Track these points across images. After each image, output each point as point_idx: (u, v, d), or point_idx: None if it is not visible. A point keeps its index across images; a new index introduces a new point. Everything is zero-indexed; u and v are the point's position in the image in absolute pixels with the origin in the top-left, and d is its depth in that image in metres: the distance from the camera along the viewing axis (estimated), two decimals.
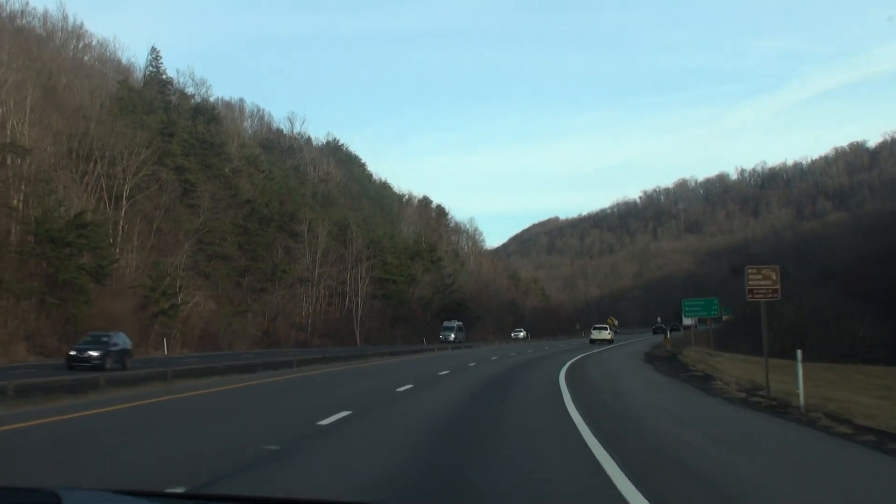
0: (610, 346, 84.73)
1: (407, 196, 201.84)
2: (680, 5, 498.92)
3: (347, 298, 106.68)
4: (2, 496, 2.51)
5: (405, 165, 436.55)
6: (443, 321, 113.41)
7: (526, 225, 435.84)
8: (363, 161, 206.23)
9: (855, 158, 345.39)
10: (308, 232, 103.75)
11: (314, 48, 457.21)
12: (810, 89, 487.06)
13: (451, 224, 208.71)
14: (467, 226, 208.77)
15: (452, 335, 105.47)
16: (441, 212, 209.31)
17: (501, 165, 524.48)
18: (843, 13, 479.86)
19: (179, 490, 5.12)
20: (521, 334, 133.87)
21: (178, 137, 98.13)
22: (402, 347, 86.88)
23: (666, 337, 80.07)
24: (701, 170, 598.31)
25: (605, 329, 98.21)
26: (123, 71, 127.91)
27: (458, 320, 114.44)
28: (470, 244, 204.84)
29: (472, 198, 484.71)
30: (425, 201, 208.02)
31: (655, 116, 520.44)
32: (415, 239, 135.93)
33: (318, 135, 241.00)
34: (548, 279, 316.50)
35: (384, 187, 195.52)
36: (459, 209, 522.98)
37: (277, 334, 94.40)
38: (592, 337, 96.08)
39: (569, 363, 45.97)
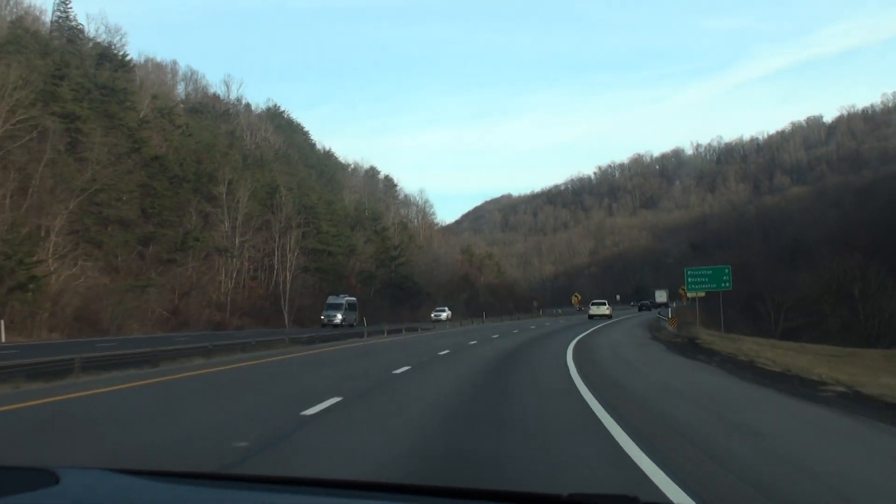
0: (608, 326, 69.59)
1: (352, 166, 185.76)
2: None
3: (275, 272, 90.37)
4: None
5: (356, 144, 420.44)
6: (388, 297, 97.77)
7: (479, 202, 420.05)
8: (306, 129, 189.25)
9: (812, 133, 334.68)
10: (228, 195, 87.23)
11: (263, 20, 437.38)
12: (763, 68, 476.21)
13: (401, 196, 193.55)
14: (417, 198, 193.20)
15: (339, 316, 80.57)
16: (389, 183, 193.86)
17: (454, 143, 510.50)
18: None
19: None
20: (444, 315, 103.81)
21: (71, 81, 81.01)
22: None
23: (671, 317, 65.22)
24: (656, 145, 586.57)
25: (604, 304, 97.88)
26: (28, 17, 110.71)
27: (402, 296, 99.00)
28: (420, 217, 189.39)
29: (424, 176, 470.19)
30: (372, 171, 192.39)
31: (609, 95, 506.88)
32: (356, 206, 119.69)
33: (259, 102, 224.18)
34: (502, 256, 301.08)
35: (327, 156, 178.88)
36: (411, 185, 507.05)
37: (188, 314, 78.00)
38: (591, 312, 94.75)
39: (573, 353, 30.64)
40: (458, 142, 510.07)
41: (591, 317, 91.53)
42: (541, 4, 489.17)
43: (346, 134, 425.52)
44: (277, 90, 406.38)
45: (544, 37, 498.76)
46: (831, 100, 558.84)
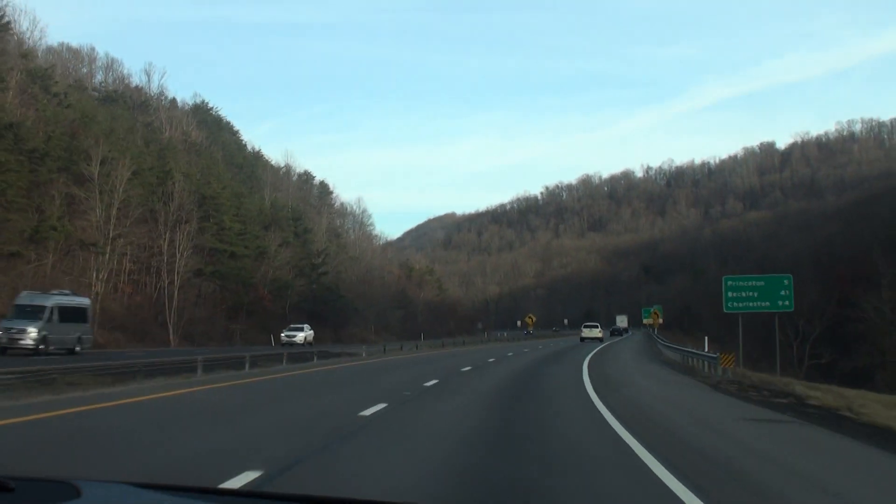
0: (620, 359, 51.48)
1: (284, 168, 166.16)
2: (582, 12, 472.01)
3: (161, 275, 70.82)
4: (20, 488, 2.45)
5: (303, 161, 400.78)
6: (306, 312, 78.76)
7: (423, 220, 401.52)
8: (236, 128, 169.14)
9: (765, 159, 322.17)
10: (102, 176, 67.61)
11: (217, 35, 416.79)
12: (712, 96, 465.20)
13: (336, 204, 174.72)
14: (354, 207, 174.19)
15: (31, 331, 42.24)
16: (325, 189, 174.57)
17: (401, 162, 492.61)
18: (740, 27, 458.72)
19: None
20: (300, 336, 71.33)
21: None
22: (237, 350, 53.13)
23: (724, 353, 45.48)
24: (605, 166, 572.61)
25: (596, 328, 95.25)
26: None
27: (325, 312, 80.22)
28: (357, 228, 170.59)
29: (368, 193, 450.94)
30: (306, 176, 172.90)
31: (557, 118, 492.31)
32: (273, 202, 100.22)
33: (186, 97, 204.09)
34: (443, 274, 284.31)
35: (256, 157, 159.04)
36: (352, 197, 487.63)
37: None
38: (583, 335, 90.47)
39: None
40: (404, 161, 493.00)
41: (583, 339, 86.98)
42: (491, 28, 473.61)
43: (291, 150, 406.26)
44: (222, 103, 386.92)
45: (494, 60, 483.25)
46: (783, 127, 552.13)
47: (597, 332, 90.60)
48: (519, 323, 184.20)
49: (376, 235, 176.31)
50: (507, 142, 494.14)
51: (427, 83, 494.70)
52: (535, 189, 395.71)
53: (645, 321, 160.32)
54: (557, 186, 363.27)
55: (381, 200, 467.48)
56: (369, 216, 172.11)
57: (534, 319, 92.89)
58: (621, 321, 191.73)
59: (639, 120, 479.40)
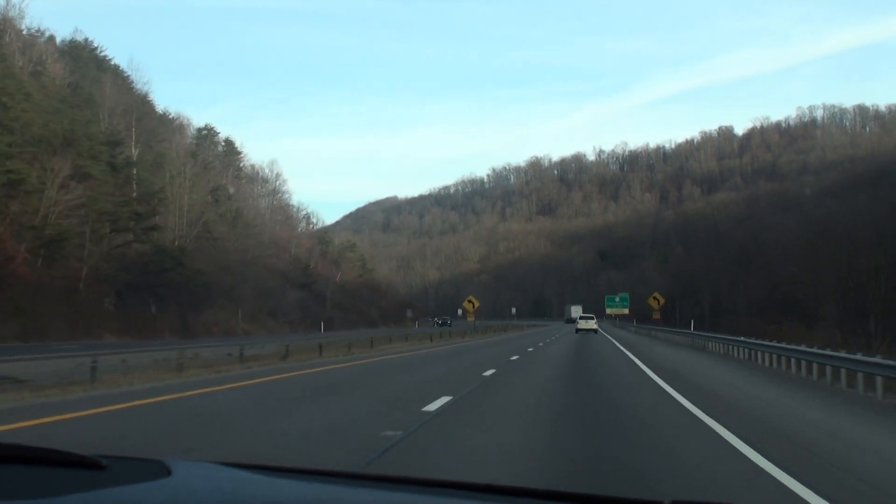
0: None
1: (178, 120, 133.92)
2: (536, 4, 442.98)
3: None
4: (112, 466, 2.50)
5: (253, 147, 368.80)
6: (123, 284, 47.32)
7: (363, 204, 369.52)
8: (127, 74, 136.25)
9: (724, 143, 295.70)
10: None
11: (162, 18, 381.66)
12: (667, 88, 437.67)
13: (245, 167, 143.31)
14: (267, 171, 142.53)
15: None
16: (231, 148, 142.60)
17: (349, 150, 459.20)
18: (694, 20, 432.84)
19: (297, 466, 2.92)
20: None
21: None
22: None
23: None
24: (555, 149, 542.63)
25: (592, 319, 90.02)
26: None
27: (167, 288, 48.91)
28: (272, 198, 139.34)
29: (313, 181, 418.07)
30: (210, 132, 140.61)
31: (511, 109, 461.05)
32: (69, 86, 66.62)
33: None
34: (380, 258, 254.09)
35: (143, 102, 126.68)
36: (303, 192, 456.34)
37: None
38: (578, 326, 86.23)
39: None
40: (352, 149, 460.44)
41: (578, 331, 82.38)
42: (446, 19, 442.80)
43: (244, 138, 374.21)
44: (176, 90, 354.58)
45: (449, 51, 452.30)
46: (741, 114, 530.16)
47: (592, 324, 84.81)
48: (460, 311, 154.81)
49: (293, 206, 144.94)
50: (458, 132, 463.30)
51: (380, 72, 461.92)
52: (482, 172, 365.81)
53: (610, 311, 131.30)
54: (505, 169, 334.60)
55: (326, 188, 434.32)
56: (284, 181, 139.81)
57: (476, 304, 62.80)
58: (576, 311, 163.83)
59: (592, 110, 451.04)
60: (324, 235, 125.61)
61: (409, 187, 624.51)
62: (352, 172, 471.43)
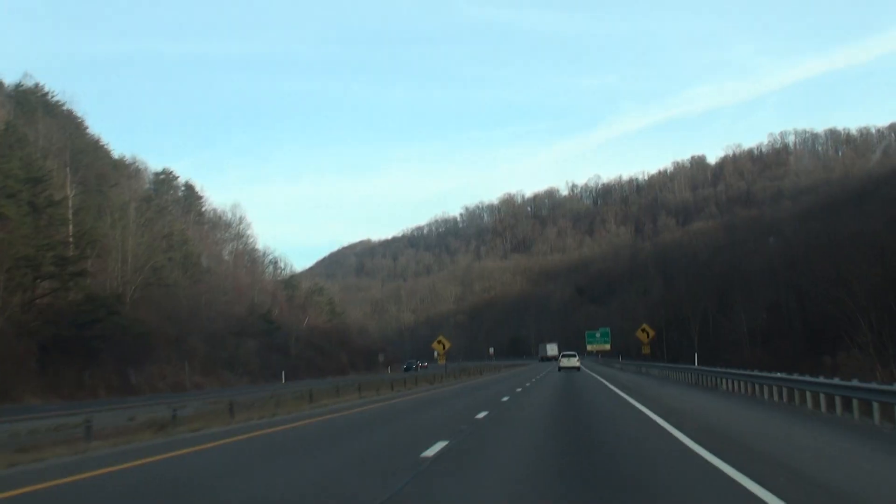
0: None
1: (134, 165, 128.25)
2: (502, 45, 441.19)
3: None
4: None
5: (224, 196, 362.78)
6: (47, 340, 41.22)
7: (336, 248, 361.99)
8: (80, 119, 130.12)
9: (697, 173, 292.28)
10: None
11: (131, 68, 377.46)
12: (634, 124, 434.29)
13: (207, 211, 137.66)
14: (230, 215, 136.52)
15: None
16: (191, 193, 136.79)
17: (317, 194, 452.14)
18: (657, 57, 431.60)
19: None
20: None
21: None
22: None
23: None
24: (528, 185, 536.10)
25: (574, 356, 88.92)
26: None
27: (102, 342, 42.85)
28: (237, 243, 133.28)
29: (289, 228, 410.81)
30: (168, 177, 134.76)
31: (480, 149, 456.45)
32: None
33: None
34: (354, 302, 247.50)
35: (95, 147, 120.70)
36: (275, 239, 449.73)
37: None
38: (561, 364, 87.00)
39: None
40: (320, 193, 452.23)
41: (561, 369, 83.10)
42: (412, 61, 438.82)
43: (214, 185, 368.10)
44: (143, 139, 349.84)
45: (416, 92, 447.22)
46: (713, 142, 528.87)
47: (574, 362, 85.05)
48: (436, 353, 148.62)
49: (259, 252, 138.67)
50: (430, 172, 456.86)
51: (349, 115, 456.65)
52: (455, 210, 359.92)
53: (591, 347, 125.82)
54: (478, 207, 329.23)
55: (298, 235, 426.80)
56: (248, 225, 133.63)
57: (446, 346, 56.84)
58: (551, 350, 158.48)
59: (564, 145, 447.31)
60: (290, 280, 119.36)
61: (383, 229, 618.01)
62: (324, 217, 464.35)
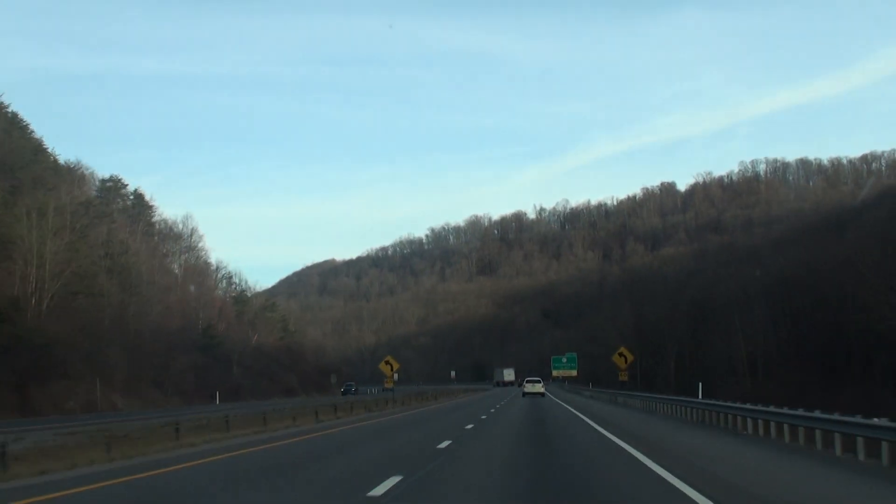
0: None
1: (79, 169, 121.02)
2: (472, 70, 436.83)
3: None
4: None
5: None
6: None
7: (299, 268, 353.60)
8: (26, 123, 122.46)
9: (667, 200, 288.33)
10: None
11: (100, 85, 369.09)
12: (604, 150, 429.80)
13: (159, 224, 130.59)
14: (181, 226, 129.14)
15: None
16: (141, 202, 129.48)
17: (282, 215, 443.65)
18: (625, 86, 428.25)
19: None
20: None
21: None
22: None
23: None
24: (495, 207, 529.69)
25: (539, 382, 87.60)
26: None
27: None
28: (188, 256, 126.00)
29: (251, 245, 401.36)
30: (116, 184, 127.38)
31: (449, 171, 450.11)
32: None
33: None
34: (315, 322, 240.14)
35: (37, 150, 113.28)
36: (239, 259, 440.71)
37: None
38: (525, 390, 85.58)
39: None
40: (286, 214, 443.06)
41: (525, 394, 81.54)
42: (382, 82, 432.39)
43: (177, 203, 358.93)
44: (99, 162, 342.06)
45: (386, 115, 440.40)
46: (683, 169, 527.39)
47: (539, 388, 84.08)
48: (397, 376, 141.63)
49: (211, 266, 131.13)
50: (397, 194, 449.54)
51: (316, 137, 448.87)
52: (420, 232, 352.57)
53: (557, 373, 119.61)
54: (444, 228, 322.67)
55: (263, 254, 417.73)
56: (200, 237, 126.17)
57: (395, 367, 50.14)
58: (508, 375, 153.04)
59: (532, 171, 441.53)
60: (241, 296, 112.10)
61: (347, 249, 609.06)
62: (289, 237, 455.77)
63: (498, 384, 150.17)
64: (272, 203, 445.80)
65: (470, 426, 31.26)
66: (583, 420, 34.41)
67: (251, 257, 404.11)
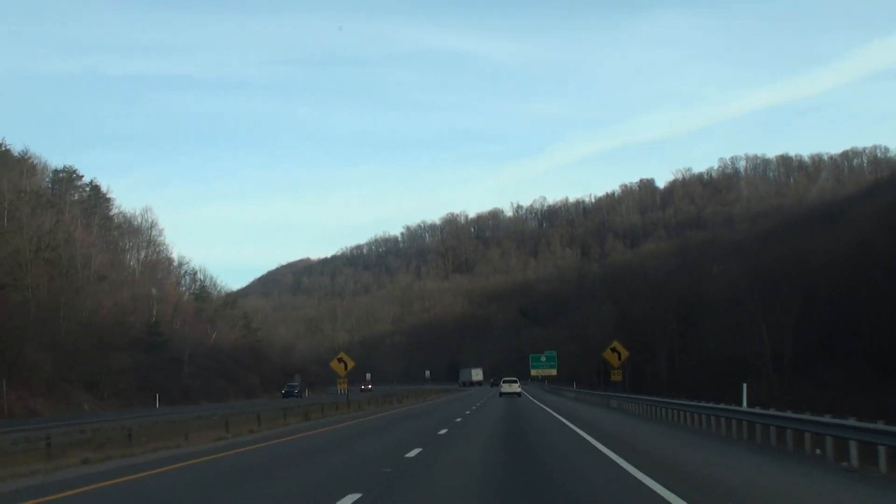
0: None
1: (28, 159, 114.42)
2: (448, 70, 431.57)
3: None
4: None
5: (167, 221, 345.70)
6: None
7: (273, 267, 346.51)
8: None
9: (646, 197, 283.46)
10: None
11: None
12: (581, 150, 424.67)
13: (115, 214, 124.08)
14: (140, 220, 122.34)
15: None
16: (97, 194, 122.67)
17: (259, 216, 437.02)
18: (602, 86, 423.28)
19: None
20: None
21: None
22: None
23: None
24: (472, 205, 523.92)
25: (515, 382, 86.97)
26: None
27: None
28: (149, 250, 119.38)
29: (223, 247, 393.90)
30: (69, 175, 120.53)
31: (425, 170, 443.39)
32: None
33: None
34: (288, 321, 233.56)
35: None
36: (212, 258, 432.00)
37: None
38: (502, 390, 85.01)
39: None
40: (261, 212, 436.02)
41: (502, 394, 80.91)
42: (358, 84, 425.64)
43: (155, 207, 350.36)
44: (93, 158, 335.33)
45: (364, 115, 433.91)
46: (662, 166, 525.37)
47: (516, 388, 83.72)
48: (369, 375, 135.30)
49: (172, 261, 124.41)
50: (372, 192, 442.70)
51: (292, 136, 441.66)
52: (396, 230, 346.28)
53: (536, 372, 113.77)
54: (420, 227, 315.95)
55: (237, 253, 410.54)
56: (160, 230, 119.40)
57: (348, 365, 44.07)
58: (476, 375, 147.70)
59: (509, 169, 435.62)
60: (201, 293, 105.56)
61: (322, 248, 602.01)
62: (263, 236, 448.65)
63: (464, 384, 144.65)
64: (247, 203, 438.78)
65: (420, 450, 21.72)
66: (582, 437, 25.27)
67: (225, 257, 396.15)
